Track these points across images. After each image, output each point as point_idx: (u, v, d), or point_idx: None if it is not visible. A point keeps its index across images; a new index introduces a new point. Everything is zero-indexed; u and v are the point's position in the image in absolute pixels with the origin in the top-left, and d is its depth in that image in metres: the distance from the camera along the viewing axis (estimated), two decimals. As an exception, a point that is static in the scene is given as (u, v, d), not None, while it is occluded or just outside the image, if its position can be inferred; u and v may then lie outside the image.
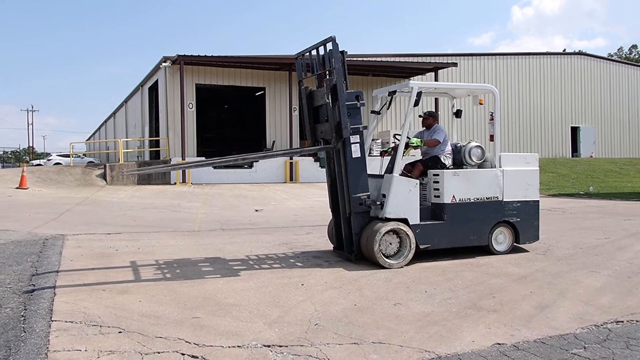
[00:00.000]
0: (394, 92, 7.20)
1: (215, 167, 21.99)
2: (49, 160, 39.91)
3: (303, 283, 5.64)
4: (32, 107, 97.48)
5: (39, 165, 35.62)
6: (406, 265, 6.46)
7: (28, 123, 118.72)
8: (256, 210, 13.09)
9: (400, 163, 6.84)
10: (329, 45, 6.33)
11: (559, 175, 24.94)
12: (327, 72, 6.55)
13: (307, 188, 19.92)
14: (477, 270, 6.30)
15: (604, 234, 9.15)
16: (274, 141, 24.74)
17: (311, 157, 23.75)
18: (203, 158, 22.18)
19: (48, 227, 9.67)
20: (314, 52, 6.69)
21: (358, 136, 6.46)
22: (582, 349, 3.83)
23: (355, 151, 6.46)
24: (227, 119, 35.42)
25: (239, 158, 6.67)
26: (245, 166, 22.63)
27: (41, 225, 9.87)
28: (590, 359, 3.65)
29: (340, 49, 6.31)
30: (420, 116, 7.74)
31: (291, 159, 23.11)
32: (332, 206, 7.04)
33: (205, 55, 21.62)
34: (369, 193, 6.51)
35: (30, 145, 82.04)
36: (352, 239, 6.60)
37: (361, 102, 6.47)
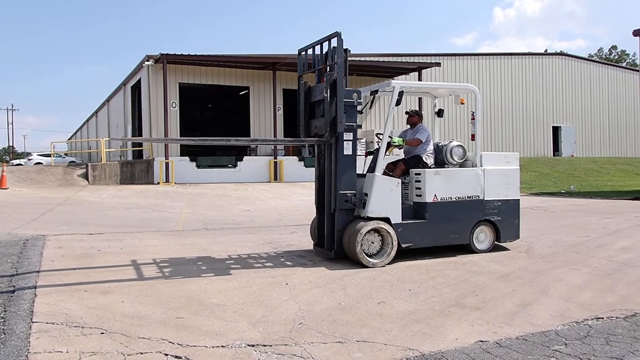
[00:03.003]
0: (376, 91, 7.23)
1: (199, 167, 21.91)
2: (29, 159, 39.31)
3: (287, 282, 5.64)
4: (12, 106, 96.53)
5: (19, 165, 35.08)
6: (389, 263, 6.49)
7: (8, 122, 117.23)
8: (247, 210, 13.06)
9: (383, 162, 6.88)
10: (333, 42, 6.47)
11: (541, 174, 25.23)
12: (329, 67, 6.66)
13: (291, 187, 19.90)
14: (460, 269, 6.35)
15: (585, 232, 9.28)
16: (258, 140, 24.64)
17: (295, 157, 23.76)
18: (187, 158, 22.09)
19: (29, 227, 9.54)
20: (316, 48, 6.85)
21: (351, 134, 6.53)
22: (563, 346, 3.88)
23: (347, 148, 6.52)
24: (211, 118, 35.21)
25: (231, 139, 6.65)
26: (230, 165, 22.56)
27: (21, 225, 9.74)
28: (571, 355, 3.70)
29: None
30: (406, 113, 7.79)
31: (275, 158, 23.08)
32: (318, 203, 7.06)
33: (188, 54, 21.49)
34: (355, 191, 6.54)
35: (11, 144, 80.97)
36: (334, 235, 6.62)
37: (358, 100, 6.54)
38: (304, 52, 7.10)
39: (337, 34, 6.37)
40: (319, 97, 6.76)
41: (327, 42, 6.66)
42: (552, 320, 4.48)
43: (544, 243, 8.12)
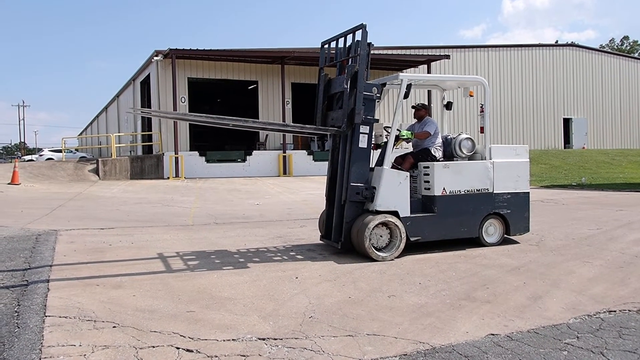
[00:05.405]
0: (384, 84, 7.21)
1: (208, 161, 21.99)
2: (40, 155, 39.63)
3: (297, 276, 5.65)
4: (24, 102, 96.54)
5: (31, 160, 35.39)
6: (398, 257, 6.49)
7: (19, 118, 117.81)
8: (256, 204, 13.09)
9: (391, 155, 6.86)
10: (358, 35, 6.49)
11: (552, 166, 25.05)
12: (350, 60, 6.69)
13: (300, 181, 19.91)
14: (470, 262, 6.33)
15: (596, 224, 9.21)
16: (267, 135, 24.70)
17: (304, 151, 23.77)
18: (196, 152, 22.16)
19: (41, 222, 9.62)
20: (339, 40, 6.88)
21: (368, 127, 6.57)
22: (575, 339, 3.86)
23: (363, 141, 6.55)
24: (220, 113, 34.86)
25: (249, 120, 6.66)
26: (239, 160, 22.63)
27: (34, 220, 9.82)
28: (583, 349, 3.68)
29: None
30: (413, 107, 7.76)
31: (284, 152, 23.10)
32: (328, 194, 7.07)
33: (197, 49, 21.51)
34: (366, 185, 6.55)
35: (22, 140, 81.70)
36: (342, 227, 6.63)
37: (377, 95, 6.54)
38: (326, 45, 7.12)
39: (362, 26, 6.39)
40: (339, 89, 6.78)
41: (351, 35, 6.67)
42: (564, 313, 4.46)
43: (555, 236, 8.07)
